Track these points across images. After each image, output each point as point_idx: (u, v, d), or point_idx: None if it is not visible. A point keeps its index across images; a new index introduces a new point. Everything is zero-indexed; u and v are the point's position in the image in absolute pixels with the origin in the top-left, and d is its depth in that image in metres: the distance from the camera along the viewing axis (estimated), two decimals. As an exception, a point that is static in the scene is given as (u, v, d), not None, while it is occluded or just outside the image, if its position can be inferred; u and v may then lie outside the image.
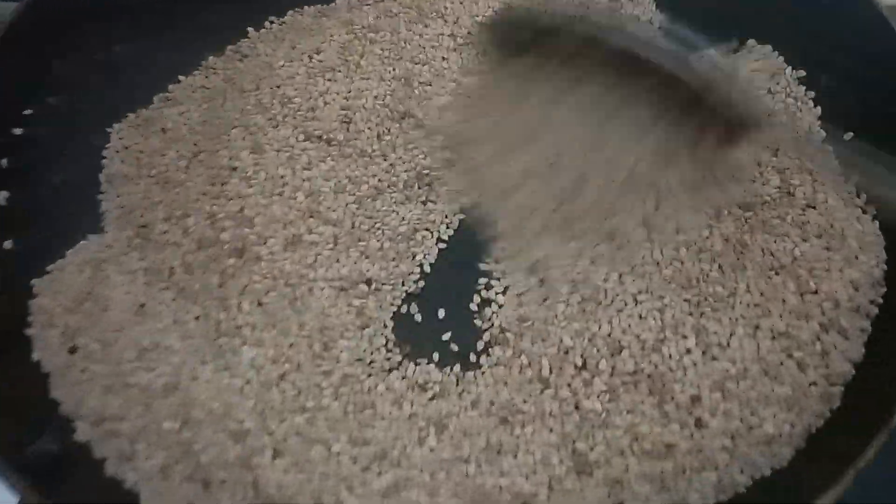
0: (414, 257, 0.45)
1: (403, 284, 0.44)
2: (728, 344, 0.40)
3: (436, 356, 0.42)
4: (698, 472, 0.37)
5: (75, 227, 0.46)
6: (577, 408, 0.40)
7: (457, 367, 0.41)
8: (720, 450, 0.38)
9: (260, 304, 0.43)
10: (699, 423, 0.38)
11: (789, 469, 0.37)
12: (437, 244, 0.46)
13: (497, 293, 0.44)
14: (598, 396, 0.40)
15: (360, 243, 0.45)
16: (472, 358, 0.42)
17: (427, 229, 0.46)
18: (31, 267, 0.44)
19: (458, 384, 0.41)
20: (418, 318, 0.44)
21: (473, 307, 0.44)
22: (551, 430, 0.39)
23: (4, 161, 0.45)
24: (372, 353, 0.42)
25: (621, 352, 0.41)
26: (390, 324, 0.43)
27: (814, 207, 0.45)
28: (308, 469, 0.38)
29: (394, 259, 0.45)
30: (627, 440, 0.38)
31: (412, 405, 0.40)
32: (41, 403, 0.39)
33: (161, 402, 0.40)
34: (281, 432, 0.39)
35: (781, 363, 0.39)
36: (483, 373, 0.41)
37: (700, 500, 0.37)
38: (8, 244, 0.43)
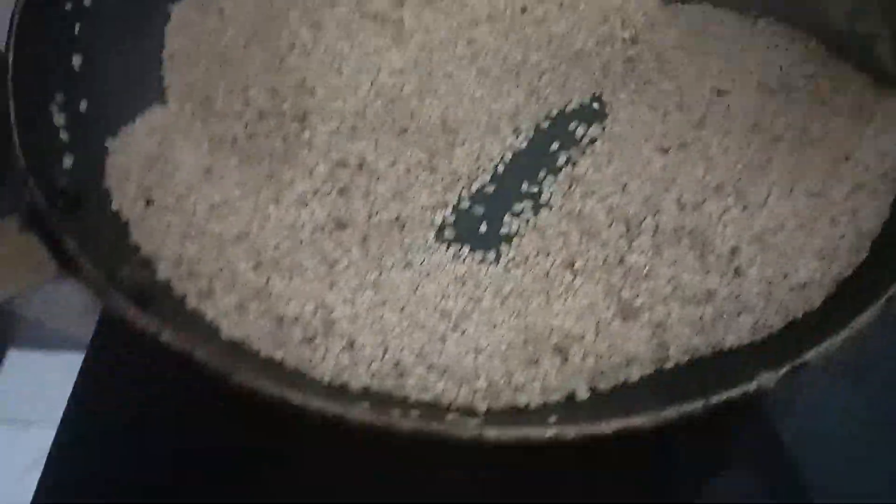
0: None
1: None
2: (766, 202, 0.43)
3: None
4: (735, 317, 0.40)
5: (141, 97, 0.48)
6: (622, 262, 0.43)
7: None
8: (756, 295, 0.41)
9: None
10: (738, 272, 0.41)
11: (819, 311, 0.40)
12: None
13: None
14: (642, 252, 0.43)
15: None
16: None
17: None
18: (105, 129, 0.46)
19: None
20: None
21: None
22: (598, 282, 0.42)
23: (77, 27, 0.47)
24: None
25: (663, 212, 0.44)
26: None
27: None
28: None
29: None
30: (670, 289, 0.41)
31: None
32: (123, 246, 0.42)
33: (235, 248, 0.42)
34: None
35: (815, 219, 0.42)
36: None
37: (736, 340, 0.40)
38: (83, 105, 0.46)
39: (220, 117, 0.48)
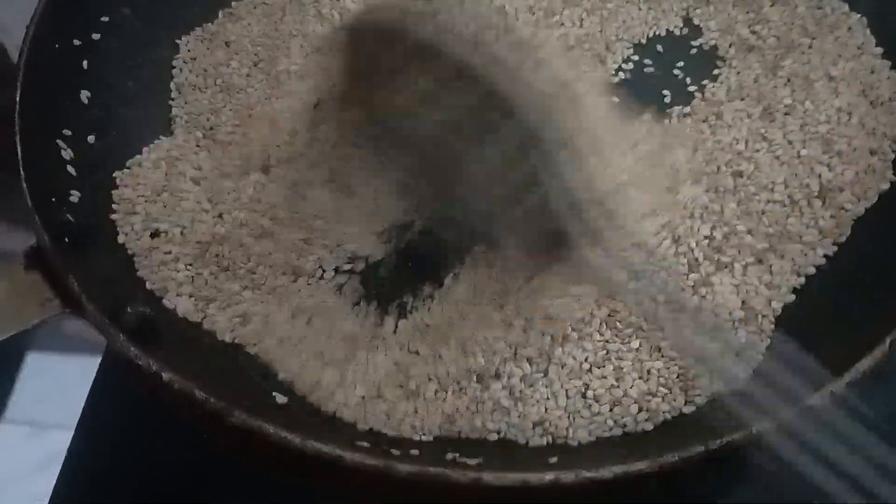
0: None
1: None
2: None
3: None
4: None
5: (148, 128, 0.49)
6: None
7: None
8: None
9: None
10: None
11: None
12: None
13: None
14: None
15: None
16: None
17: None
18: (112, 162, 0.47)
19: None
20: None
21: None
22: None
23: (85, 62, 0.48)
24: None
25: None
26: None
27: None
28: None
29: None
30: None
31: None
32: (130, 279, 0.42)
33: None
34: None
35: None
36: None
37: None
38: (91, 139, 0.46)
39: (225, 146, 0.48)
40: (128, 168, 0.47)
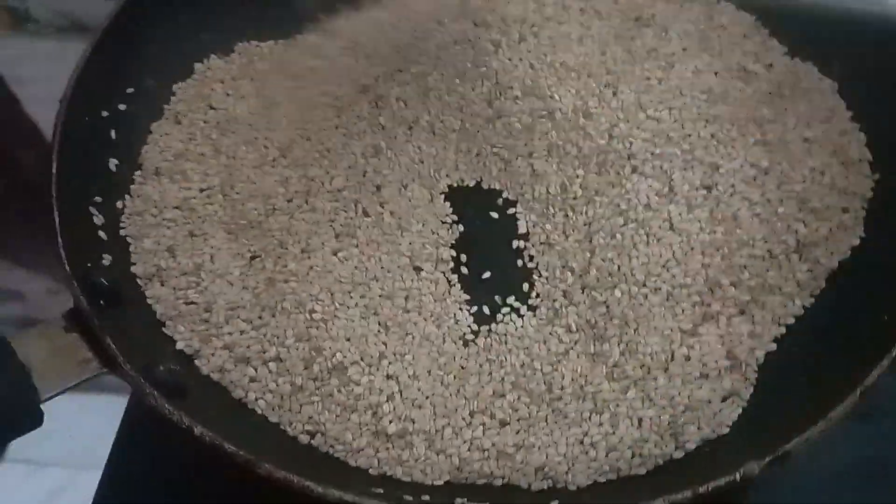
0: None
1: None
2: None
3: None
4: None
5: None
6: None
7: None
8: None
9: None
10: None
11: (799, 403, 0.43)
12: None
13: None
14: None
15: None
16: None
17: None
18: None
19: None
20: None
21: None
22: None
23: (112, 132, 0.51)
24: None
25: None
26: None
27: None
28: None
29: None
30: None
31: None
32: (160, 338, 0.46)
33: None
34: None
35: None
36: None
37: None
38: (119, 204, 0.50)
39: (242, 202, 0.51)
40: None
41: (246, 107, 0.56)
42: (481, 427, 0.43)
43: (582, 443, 0.42)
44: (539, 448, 0.42)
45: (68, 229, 0.44)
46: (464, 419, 0.44)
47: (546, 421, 0.43)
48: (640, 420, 0.42)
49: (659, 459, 0.41)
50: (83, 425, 0.51)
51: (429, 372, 0.45)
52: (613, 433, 0.42)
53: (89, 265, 0.45)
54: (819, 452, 0.38)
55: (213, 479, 0.45)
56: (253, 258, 0.49)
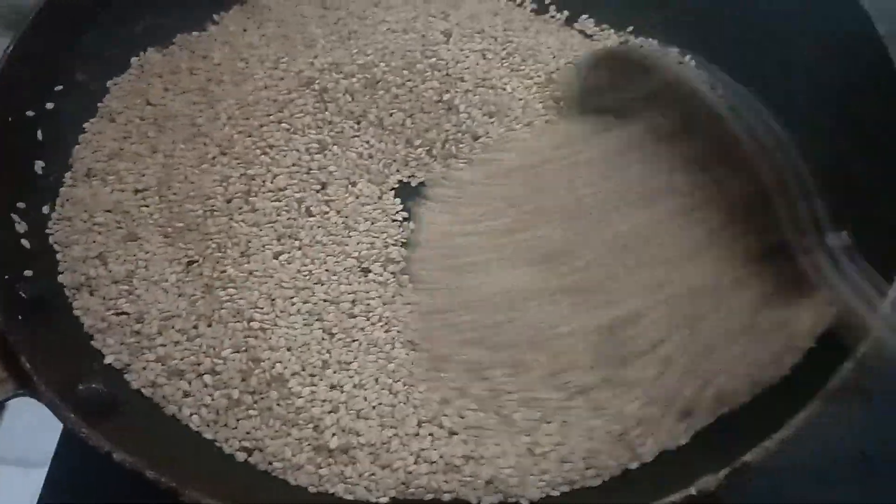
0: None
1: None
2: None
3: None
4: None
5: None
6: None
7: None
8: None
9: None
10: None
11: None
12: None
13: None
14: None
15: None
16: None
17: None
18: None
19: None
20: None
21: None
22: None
23: (39, 132, 0.48)
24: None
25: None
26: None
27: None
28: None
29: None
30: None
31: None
32: (88, 352, 0.43)
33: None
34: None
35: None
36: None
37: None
38: (45, 209, 0.47)
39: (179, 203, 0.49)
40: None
41: (185, 102, 0.53)
42: (429, 437, 0.41)
43: (532, 453, 0.40)
44: (488, 459, 0.40)
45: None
46: (411, 429, 0.41)
47: (494, 430, 0.40)
48: (591, 430, 0.40)
49: (615, 471, 0.39)
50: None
51: (376, 380, 0.43)
52: (564, 444, 0.40)
53: (7, 277, 0.42)
54: (809, 444, 0.36)
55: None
56: (190, 263, 0.47)
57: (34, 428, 0.54)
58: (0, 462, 0.55)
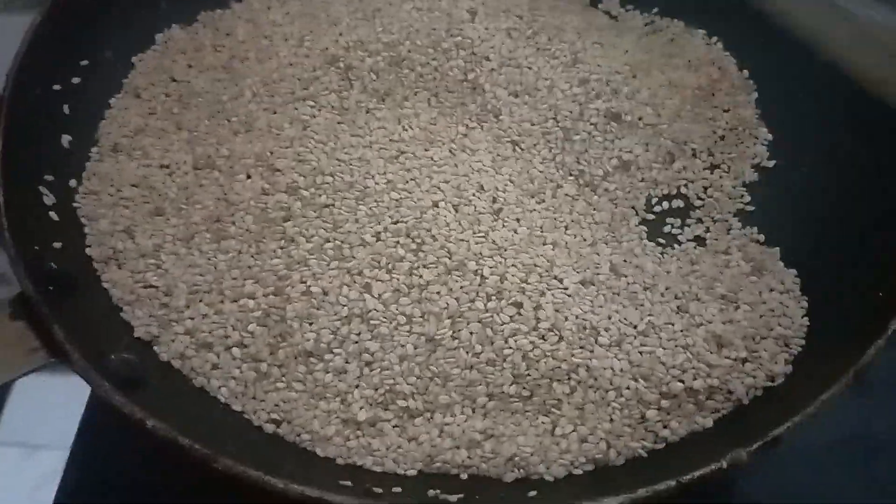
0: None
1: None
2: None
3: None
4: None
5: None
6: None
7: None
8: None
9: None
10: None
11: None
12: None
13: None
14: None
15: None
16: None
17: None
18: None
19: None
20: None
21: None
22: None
23: (66, 107, 0.48)
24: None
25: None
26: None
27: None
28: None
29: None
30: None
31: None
32: (116, 325, 0.43)
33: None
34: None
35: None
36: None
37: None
38: (72, 183, 0.47)
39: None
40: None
41: (209, 79, 0.53)
42: (454, 411, 0.41)
43: (552, 433, 0.40)
44: (508, 437, 0.40)
45: (15, 210, 0.42)
46: (439, 402, 0.41)
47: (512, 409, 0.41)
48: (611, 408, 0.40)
49: (640, 451, 0.39)
50: (75, 407, 0.50)
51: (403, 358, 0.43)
52: (583, 424, 0.40)
53: (37, 248, 0.42)
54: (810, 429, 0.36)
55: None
56: (216, 238, 0.46)
57: (41, 410, 0.55)
58: (3, 444, 0.55)
